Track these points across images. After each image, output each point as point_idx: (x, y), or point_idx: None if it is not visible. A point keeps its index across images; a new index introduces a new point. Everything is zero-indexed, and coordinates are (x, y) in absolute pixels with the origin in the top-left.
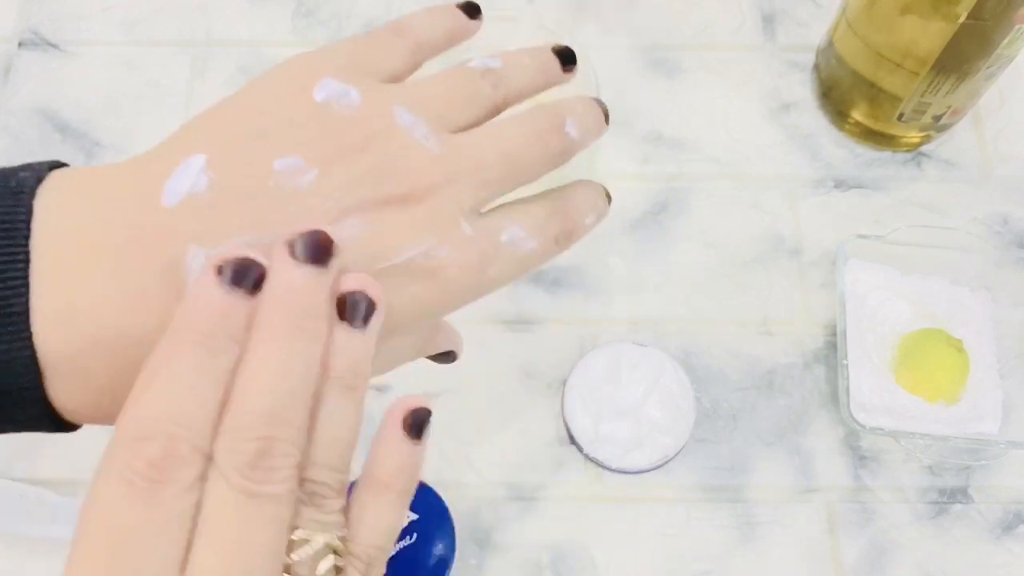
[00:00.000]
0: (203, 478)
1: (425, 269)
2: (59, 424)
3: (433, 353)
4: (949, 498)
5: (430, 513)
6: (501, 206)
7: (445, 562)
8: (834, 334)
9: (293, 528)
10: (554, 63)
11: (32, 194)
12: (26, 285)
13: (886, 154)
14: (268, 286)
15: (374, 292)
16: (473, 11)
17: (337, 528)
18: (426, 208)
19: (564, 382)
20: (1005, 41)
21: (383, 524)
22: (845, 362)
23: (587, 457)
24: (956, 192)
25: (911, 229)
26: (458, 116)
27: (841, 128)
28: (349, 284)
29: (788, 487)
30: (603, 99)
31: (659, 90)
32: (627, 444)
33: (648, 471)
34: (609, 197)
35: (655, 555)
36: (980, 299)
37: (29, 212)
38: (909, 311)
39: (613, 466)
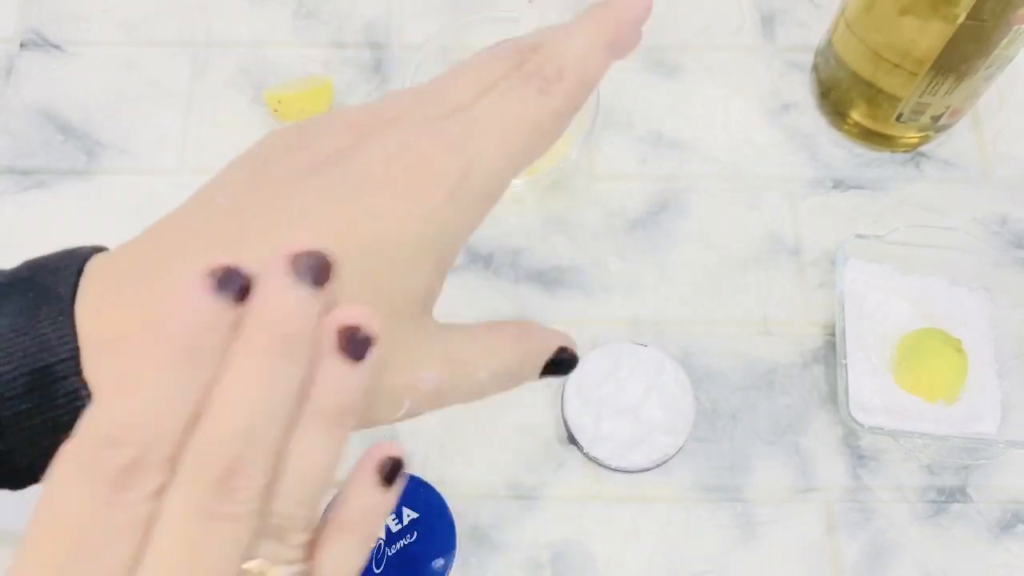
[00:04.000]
0: (165, 487)
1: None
2: None
3: (538, 361)
4: (948, 498)
5: (430, 512)
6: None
7: (445, 561)
8: (833, 334)
9: (250, 557)
10: None
11: (79, 273)
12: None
13: (885, 154)
14: (260, 300)
15: (375, 327)
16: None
17: (299, 564)
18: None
19: (564, 382)
20: (1004, 41)
21: (346, 566)
22: (844, 362)
23: (587, 456)
24: (955, 192)
25: (910, 229)
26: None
27: (840, 128)
28: (350, 316)
29: (787, 487)
30: (602, 99)
31: (659, 90)
32: (627, 443)
33: (648, 470)
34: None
35: (655, 555)
36: (979, 299)
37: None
38: (908, 311)
39: (613, 465)
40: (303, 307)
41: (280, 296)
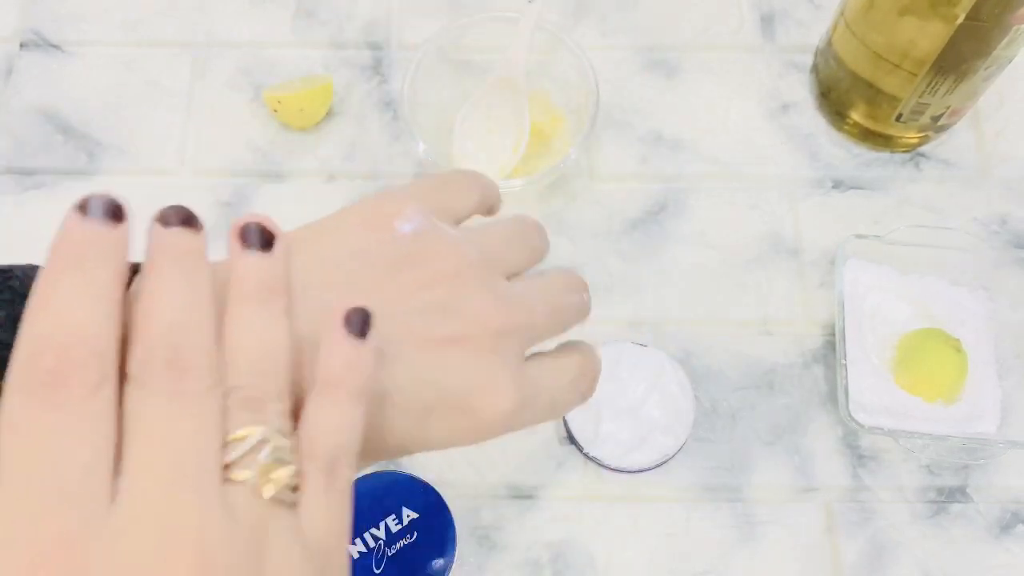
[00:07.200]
0: (116, 390)
1: (467, 407)
2: None
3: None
4: (948, 497)
5: (430, 512)
6: (537, 356)
7: (445, 561)
8: (833, 334)
9: (227, 432)
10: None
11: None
12: None
13: (885, 154)
14: (152, 238)
15: (268, 223)
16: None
17: (278, 425)
18: (481, 353)
19: None
20: (1003, 42)
21: (337, 423)
22: (844, 362)
23: (587, 457)
24: (955, 192)
25: (910, 229)
26: (514, 261)
27: (840, 129)
28: (243, 218)
29: (787, 487)
30: (602, 99)
31: (659, 90)
32: (627, 444)
33: (648, 471)
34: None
35: (655, 555)
36: (978, 299)
37: None
38: (908, 311)
39: (613, 465)
40: (183, 238)
41: (162, 234)
